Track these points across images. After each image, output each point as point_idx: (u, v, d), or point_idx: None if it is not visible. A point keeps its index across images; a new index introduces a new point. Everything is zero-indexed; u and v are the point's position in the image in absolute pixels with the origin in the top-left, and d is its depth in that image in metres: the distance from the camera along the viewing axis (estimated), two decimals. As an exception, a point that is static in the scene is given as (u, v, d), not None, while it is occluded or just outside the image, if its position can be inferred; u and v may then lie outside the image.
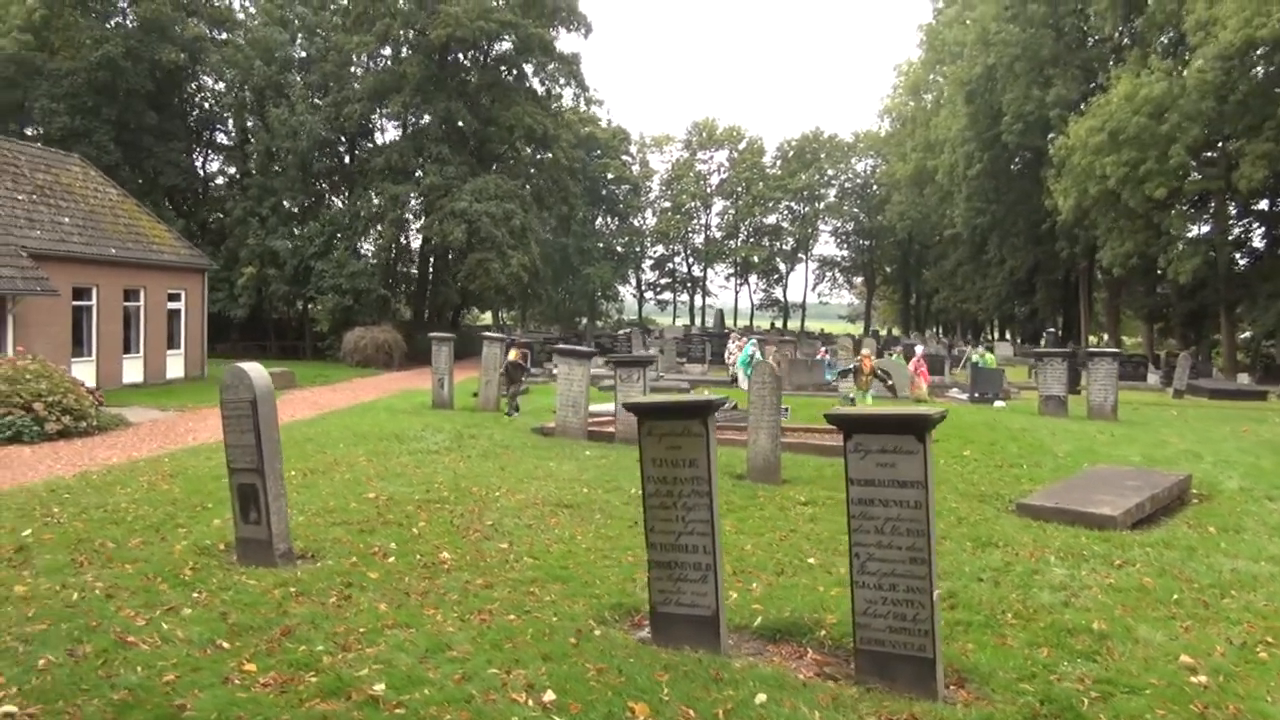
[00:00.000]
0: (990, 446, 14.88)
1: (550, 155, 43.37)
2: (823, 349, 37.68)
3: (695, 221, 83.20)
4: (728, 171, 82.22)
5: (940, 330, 78.50)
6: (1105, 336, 58.61)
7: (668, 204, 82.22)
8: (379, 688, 5.04)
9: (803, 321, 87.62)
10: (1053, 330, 52.51)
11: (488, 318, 72.05)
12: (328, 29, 42.50)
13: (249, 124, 43.22)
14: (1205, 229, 45.65)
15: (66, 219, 24.58)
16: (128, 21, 39.39)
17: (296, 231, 40.84)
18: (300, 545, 8.24)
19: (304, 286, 39.47)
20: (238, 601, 6.60)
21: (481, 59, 41.95)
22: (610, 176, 71.79)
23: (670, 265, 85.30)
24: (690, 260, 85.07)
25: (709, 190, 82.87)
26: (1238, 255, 47.47)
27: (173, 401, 22.76)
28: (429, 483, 11.34)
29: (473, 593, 6.92)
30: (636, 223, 79.60)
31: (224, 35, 42.93)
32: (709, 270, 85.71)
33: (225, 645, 5.74)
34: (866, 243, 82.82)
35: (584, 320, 73.54)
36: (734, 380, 27.61)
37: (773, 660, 5.78)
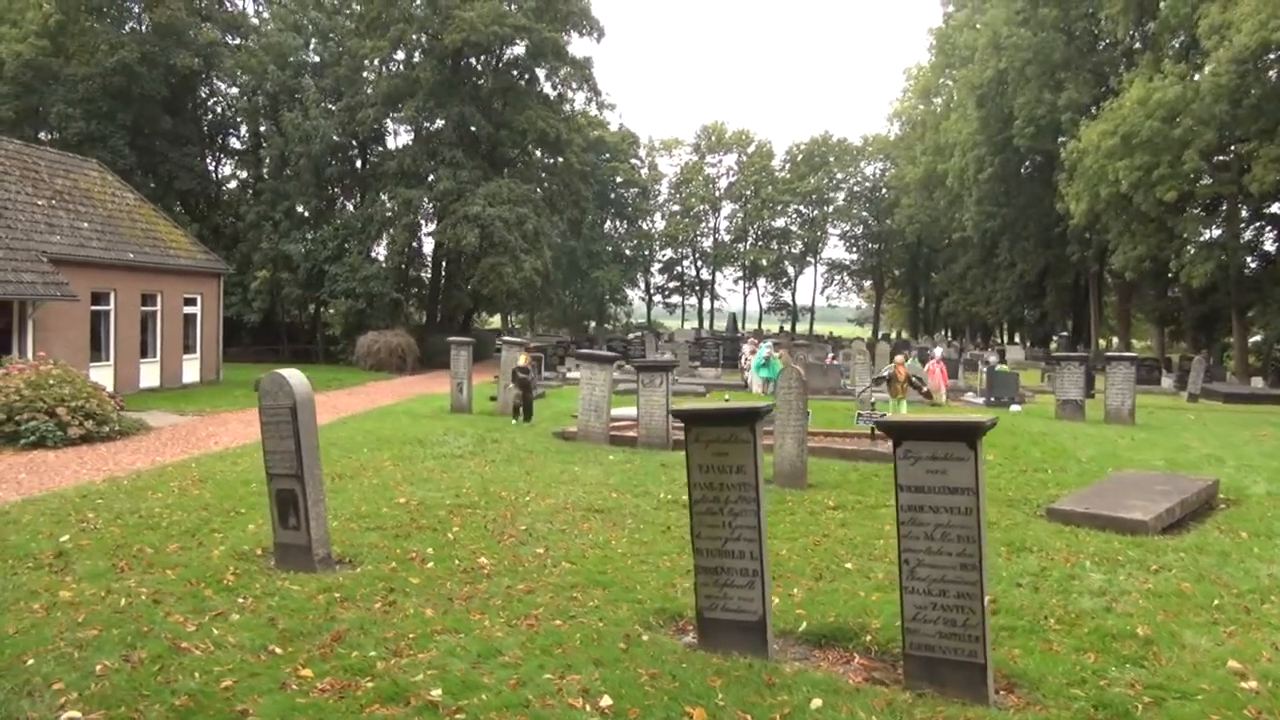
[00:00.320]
0: (1013, 451, 14.89)
1: (562, 159, 43.46)
2: (830, 354, 37.70)
3: (704, 225, 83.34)
4: (736, 175, 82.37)
5: (949, 334, 78.39)
6: (1116, 340, 58.56)
7: (676, 207, 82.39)
8: (436, 693, 5.09)
9: (811, 325, 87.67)
10: (1065, 334, 52.41)
11: (496, 321, 72.21)
12: (341, 34, 42.67)
13: (262, 129, 43.41)
14: (1217, 232, 45.59)
15: (85, 224, 24.71)
16: (142, 27, 39.59)
17: (309, 236, 41.00)
18: (337, 551, 8.29)
19: (317, 290, 39.62)
20: (284, 607, 6.65)
21: (494, 63, 42.09)
22: (619, 180, 71.93)
23: (679, 269, 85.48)
24: (699, 263, 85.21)
25: (717, 194, 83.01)
26: (1249, 259, 47.40)
27: (191, 406, 22.86)
28: (457, 488, 11.39)
29: (516, 598, 6.96)
30: (645, 226, 79.76)
31: (238, 40, 43.10)
32: (717, 274, 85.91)
33: (278, 651, 5.79)
34: (875, 246, 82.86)
35: (592, 324, 73.65)
36: (747, 384, 27.64)
37: (820, 665, 5.81)
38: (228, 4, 44.84)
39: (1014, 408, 23.73)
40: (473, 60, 41.98)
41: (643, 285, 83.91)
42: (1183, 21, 40.76)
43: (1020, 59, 48.48)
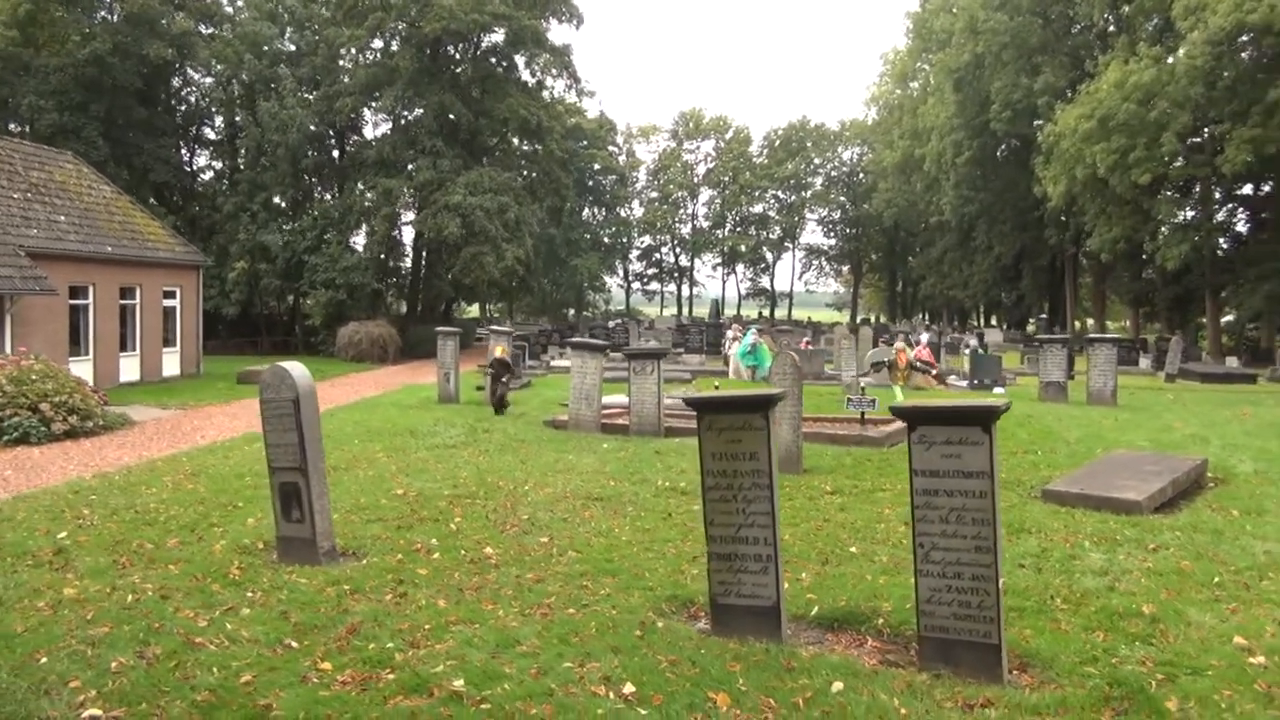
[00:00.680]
0: (1001, 433, 14.93)
1: (543, 147, 43.27)
2: (805, 339, 37.76)
3: (682, 211, 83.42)
4: (714, 161, 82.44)
5: (927, 317, 78.91)
6: (1091, 321, 59.17)
7: (655, 194, 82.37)
8: (458, 683, 5.10)
9: (790, 310, 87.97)
10: (1044, 316, 52.90)
11: (474, 311, 71.95)
12: (318, 22, 42.22)
13: (237, 119, 42.92)
14: (1191, 214, 46.10)
15: (62, 217, 24.40)
16: (114, 16, 39.00)
17: (287, 226, 40.66)
18: (341, 543, 8.27)
19: (296, 281, 39.34)
20: (295, 600, 6.63)
21: (473, 51, 41.81)
22: (597, 167, 71.76)
23: (657, 255, 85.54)
24: (677, 250, 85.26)
25: (696, 180, 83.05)
26: (1221, 240, 47.98)
27: (173, 400, 22.67)
28: (454, 478, 11.38)
29: (526, 587, 6.98)
30: (623, 213, 79.66)
31: (212, 30, 42.54)
32: (696, 260, 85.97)
33: (294, 644, 5.78)
34: (853, 231, 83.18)
35: (571, 312, 73.54)
36: (733, 373, 27.68)
37: (834, 649, 5.87)
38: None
39: (997, 390, 23.93)
40: (451, 49, 41.67)
41: (621, 272, 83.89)
42: (1157, 4, 41.08)
43: (997, 43, 48.73)
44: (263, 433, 8.18)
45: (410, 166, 38.78)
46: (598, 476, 11.44)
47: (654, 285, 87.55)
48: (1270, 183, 46.56)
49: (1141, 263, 53.81)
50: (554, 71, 42.99)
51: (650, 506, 9.82)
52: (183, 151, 45.36)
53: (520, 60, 42.42)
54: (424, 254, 42.73)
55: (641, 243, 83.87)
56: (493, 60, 42.14)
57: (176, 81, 44.15)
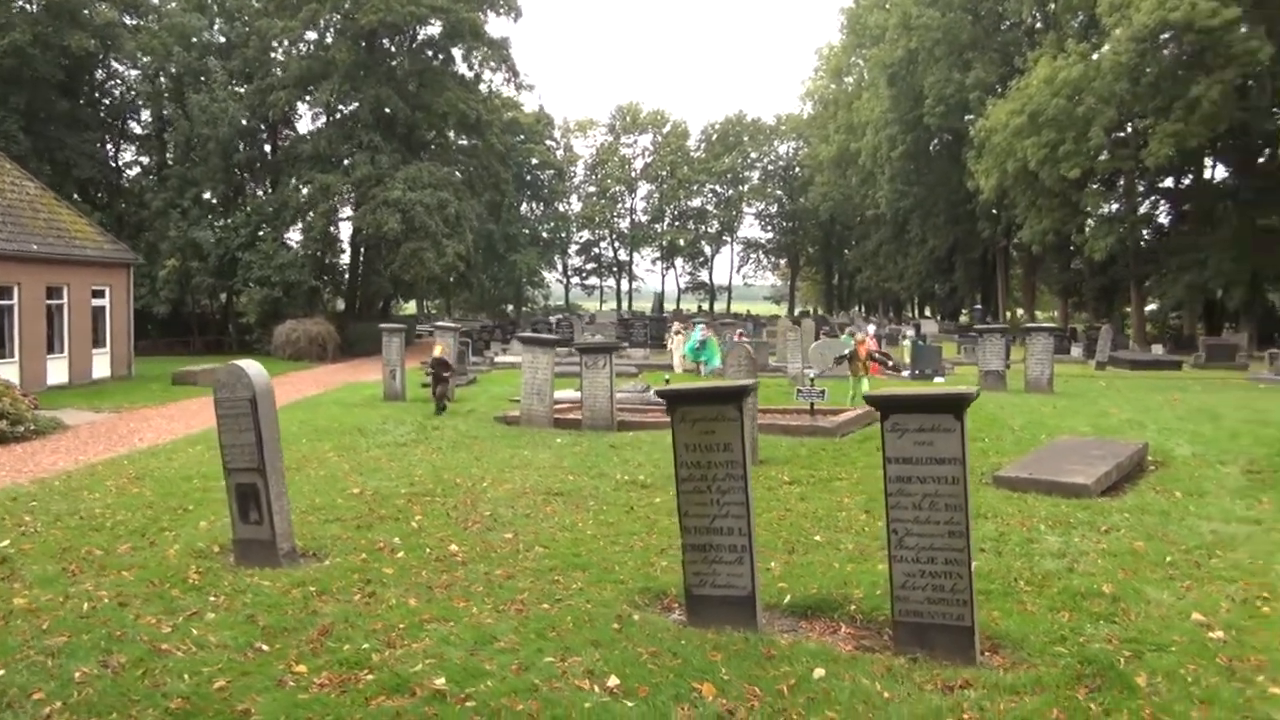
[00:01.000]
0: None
1: (482, 141, 42.87)
2: (739, 332, 37.99)
3: (620, 206, 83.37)
4: (652, 155, 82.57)
5: (863, 309, 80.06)
6: (1021, 311, 60.60)
7: (593, 189, 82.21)
8: (440, 682, 5.05)
9: (729, 304, 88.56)
10: (979, 307, 54.07)
11: (411, 308, 71.04)
12: (249, 14, 41.22)
13: (165, 112, 41.73)
14: (1115, 207, 47.51)
15: (-16, 214, 23.51)
16: (33, 6, 37.61)
17: (219, 223, 39.70)
18: (300, 544, 8.12)
19: (230, 279, 38.44)
20: (260, 604, 6.50)
21: (409, 44, 41.24)
22: (535, 162, 71.35)
23: (596, 250, 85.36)
24: (616, 245, 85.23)
25: (633, 174, 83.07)
26: (1145, 231, 49.54)
27: (106, 402, 22.02)
28: (409, 476, 11.25)
29: (497, 584, 6.93)
30: (562, 208, 79.34)
31: (137, 21, 41.26)
32: (635, 254, 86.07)
33: (265, 648, 5.66)
34: (790, 224, 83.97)
35: (511, 307, 73.08)
36: (677, 366, 27.76)
37: (809, 636, 5.93)
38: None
39: (937, 379, 24.41)
40: (387, 41, 41.05)
41: (560, 267, 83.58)
42: (1084, 1, 42.14)
43: (930, 39, 49.58)
44: (218, 433, 8.00)
45: (347, 161, 38.12)
46: (555, 471, 11.40)
47: (593, 280, 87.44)
48: (1190, 176, 48.22)
49: (1070, 254, 55.29)
50: (492, 65, 42.65)
51: (611, 500, 9.81)
52: (108, 146, 44.00)
53: (458, 53, 41.98)
54: (362, 250, 42.08)
55: (580, 238, 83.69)
56: (428, 53, 41.62)
57: (100, 74, 42.78)
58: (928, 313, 73.83)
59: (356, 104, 39.14)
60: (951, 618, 5.52)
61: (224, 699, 4.93)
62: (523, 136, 66.57)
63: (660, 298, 59.74)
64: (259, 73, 39.90)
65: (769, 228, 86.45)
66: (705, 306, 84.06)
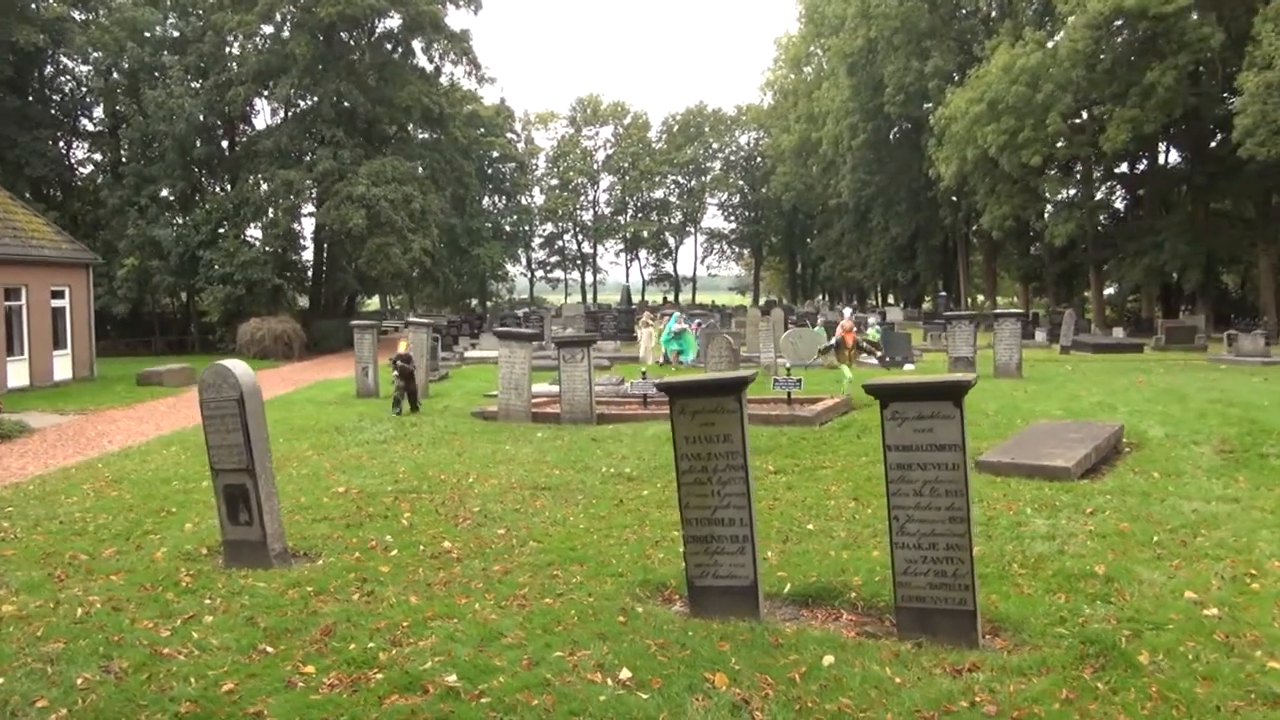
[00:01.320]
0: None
1: (445, 135, 42.51)
2: (697, 321, 38.06)
3: (583, 198, 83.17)
4: (614, 147, 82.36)
5: (827, 298, 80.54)
6: (982, 298, 61.40)
7: (555, 181, 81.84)
8: (451, 678, 5.04)
9: (693, 294, 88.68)
10: (945, 294, 54.67)
11: (374, 303, 70.33)
12: (203, 8, 40.48)
13: (119, 109, 40.89)
14: (1072, 192, 48.27)
15: (-62, 215, 22.94)
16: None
17: (178, 221, 39.04)
18: (290, 545, 8.04)
19: (191, 277, 37.80)
20: (258, 605, 6.44)
21: (368, 37, 40.75)
22: (496, 155, 70.83)
23: (560, 243, 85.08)
24: (580, 237, 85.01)
25: (596, 167, 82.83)
26: (1102, 217, 50.39)
27: (70, 405, 21.62)
28: (393, 473, 11.17)
29: (496, 579, 6.91)
30: (524, 201, 78.89)
31: (88, 15, 40.35)
32: (599, 247, 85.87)
33: (269, 649, 5.62)
34: (752, 214, 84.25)
35: (475, 301, 72.62)
36: (644, 358, 27.75)
37: (812, 624, 5.99)
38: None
39: (907, 366, 24.64)
40: (345, 35, 40.51)
41: (524, 261, 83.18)
42: (1039, -11, 42.67)
43: (888, 28, 49.91)
44: (204, 434, 7.89)
45: (309, 157, 37.63)
46: (540, 466, 11.38)
47: (557, 273, 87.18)
48: (1145, 161, 49.08)
49: (1029, 239, 56.09)
50: (453, 57, 42.25)
51: (600, 494, 9.82)
52: (59, 144, 43.02)
53: (418, 46, 41.60)
54: (325, 247, 41.61)
55: (543, 230, 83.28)
56: (389, 46, 41.17)
57: (50, 70, 41.83)
58: (891, 300, 74.50)
59: (317, 99, 38.59)
60: (954, 602, 5.60)
61: (234, 702, 4.89)
62: (483, 130, 66.08)
63: (629, 290, 59.68)
64: (215, 68, 39.21)
65: (732, 218, 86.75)
66: (670, 297, 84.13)
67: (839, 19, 56.64)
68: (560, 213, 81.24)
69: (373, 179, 35.59)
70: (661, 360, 25.98)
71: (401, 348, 17.97)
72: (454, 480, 10.61)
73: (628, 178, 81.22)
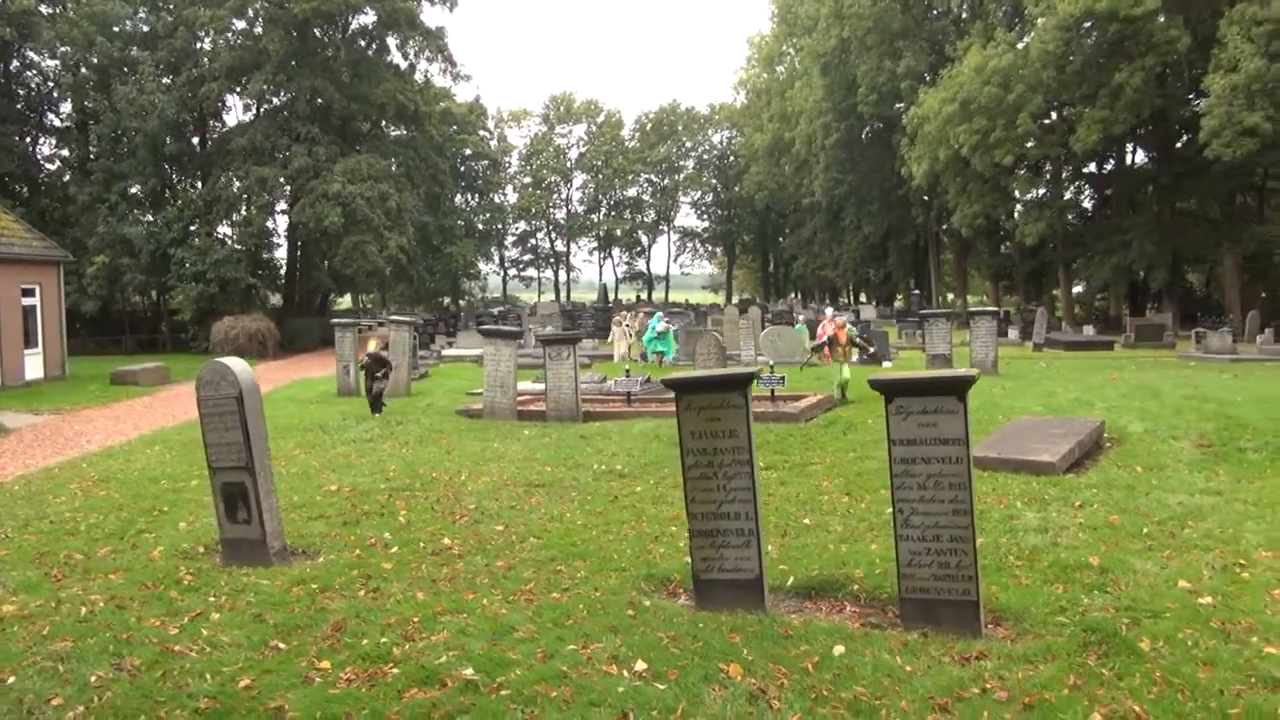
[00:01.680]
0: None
1: (420, 133, 42.31)
2: (664, 318, 38.14)
3: (556, 196, 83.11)
4: (587, 145, 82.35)
5: (799, 296, 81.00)
6: (952, 296, 61.99)
7: (528, 179, 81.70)
8: (468, 672, 5.08)
9: (666, 293, 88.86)
10: (918, 292, 55.16)
11: (346, 302, 69.90)
12: (174, 2, 40.00)
13: (88, 104, 40.34)
14: (1041, 192, 48.93)
15: (-93, 212, 22.57)
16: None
17: (148, 218, 38.59)
18: (288, 543, 8.03)
19: (163, 275, 37.38)
20: (265, 602, 6.44)
21: (342, 33, 40.46)
22: (468, 152, 70.62)
23: (533, 241, 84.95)
24: (553, 235, 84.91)
25: (569, 165, 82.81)
26: (1070, 216, 51.12)
27: (44, 404, 21.39)
28: (383, 471, 11.17)
29: (500, 575, 6.96)
30: (497, 199, 78.69)
31: (56, 8, 39.74)
32: (572, 245, 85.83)
33: (282, 646, 5.63)
34: (725, 213, 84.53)
35: (448, 300, 72.36)
36: (620, 357, 27.77)
37: (818, 616, 6.09)
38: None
39: (885, 364, 24.87)
40: (318, 31, 40.22)
41: (497, 259, 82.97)
42: (1009, -9, 43.18)
43: (861, 28, 50.29)
44: (201, 432, 7.87)
45: (283, 154, 37.31)
46: (531, 463, 11.41)
47: (530, 271, 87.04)
48: (1112, 161, 49.83)
49: (1000, 238, 56.75)
50: (428, 54, 42.07)
51: (593, 490, 9.88)
52: (25, 139, 42.36)
53: (393, 43, 41.37)
54: (298, 245, 41.28)
55: (516, 229, 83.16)
56: (362, 43, 40.91)
57: (16, 64, 41.17)
58: (863, 299, 75.01)
59: (291, 95, 38.29)
60: (957, 593, 5.71)
61: (253, 697, 4.91)
62: (456, 127, 65.86)
63: (606, 288, 59.67)
64: (187, 63, 38.80)
65: (705, 217, 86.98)
66: (643, 296, 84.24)
67: (812, 19, 56.99)
68: (533, 211, 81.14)
69: (348, 176, 35.38)
70: (639, 358, 26.04)
71: (371, 347, 17.41)
72: (446, 478, 10.63)
73: (601, 176, 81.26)
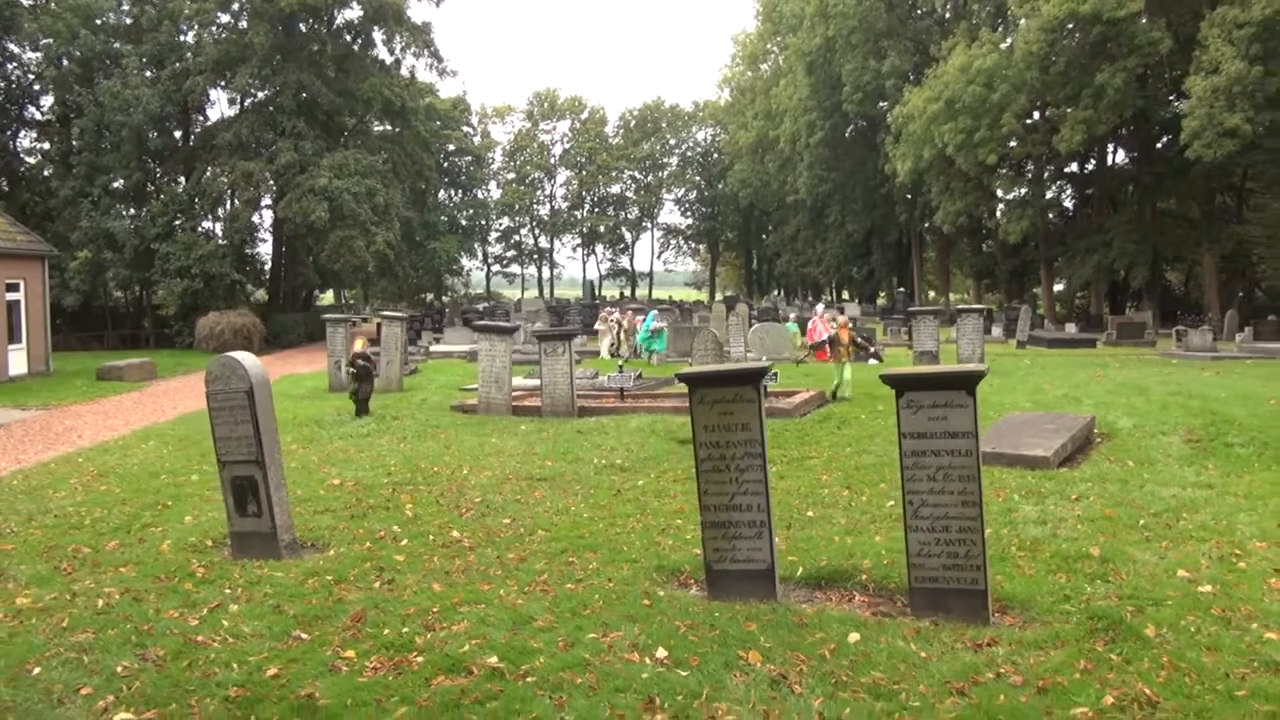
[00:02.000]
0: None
1: (407, 128, 42.20)
2: (639, 316, 38.30)
3: (540, 193, 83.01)
4: (570, 142, 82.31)
5: (783, 293, 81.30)
6: (933, 294, 62.41)
7: (511, 175, 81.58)
8: (493, 660, 5.18)
9: (650, 289, 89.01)
10: (902, 289, 55.50)
11: (329, 298, 69.60)
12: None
13: (70, 98, 39.93)
14: (1024, 191, 49.37)
15: (-109, 205, 22.35)
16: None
17: (130, 212, 38.31)
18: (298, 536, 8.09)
19: (147, 270, 37.13)
20: (282, 594, 6.51)
21: (327, 28, 40.28)
22: (452, 148, 70.42)
23: (516, 237, 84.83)
24: (536, 232, 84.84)
25: (552, 161, 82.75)
26: (1051, 215, 51.61)
27: (31, 400, 21.25)
28: (384, 466, 11.23)
29: (512, 567, 7.05)
30: (480, 195, 78.52)
31: (38, 1, 39.36)
32: (555, 241, 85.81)
33: (304, 636, 5.71)
34: (709, 210, 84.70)
35: (430, 296, 72.16)
36: (604, 353, 27.88)
37: (828, 605, 6.21)
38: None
39: (872, 361, 25.05)
40: (302, 25, 40.01)
41: (480, 255, 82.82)
42: (993, -8, 43.51)
43: (846, 27, 50.52)
44: (210, 427, 7.92)
45: (269, 149, 37.13)
46: (530, 458, 11.50)
47: (514, 268, 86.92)
48: (1093, 161, 50.31)
49: (982, 236, 57.19)
50: (415, 50, 41.97)
51: (596, 484, 9.98)
52: (5, 133, 41.93)
53: (379, 38, 41.21)
54: (284, 240, 41.10)
55: (500, 225, 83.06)
56: (347, 37, 40.75)
57: (-3, 57, 40.77)
58: (845, 296, 75.36)
59: (276, 90, 38.08)
60: (966, 582, 5.85)
61: (283, 685, 4.99)
62: (439, 123, 65.67)
63: (594, 284, 59.71)
64: (171, 58, 38.52)
65: (688, 214, 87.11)
66: (627, 292, 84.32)
67: (797, 17, 57.19)
68: (517, 207, 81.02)
69: (335, 171, 35.26)
70: (629, 354, 26.14)
71: (357, 345, 17.05)
72: (448, 472, 10.70)
73: (585, 172, 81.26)
